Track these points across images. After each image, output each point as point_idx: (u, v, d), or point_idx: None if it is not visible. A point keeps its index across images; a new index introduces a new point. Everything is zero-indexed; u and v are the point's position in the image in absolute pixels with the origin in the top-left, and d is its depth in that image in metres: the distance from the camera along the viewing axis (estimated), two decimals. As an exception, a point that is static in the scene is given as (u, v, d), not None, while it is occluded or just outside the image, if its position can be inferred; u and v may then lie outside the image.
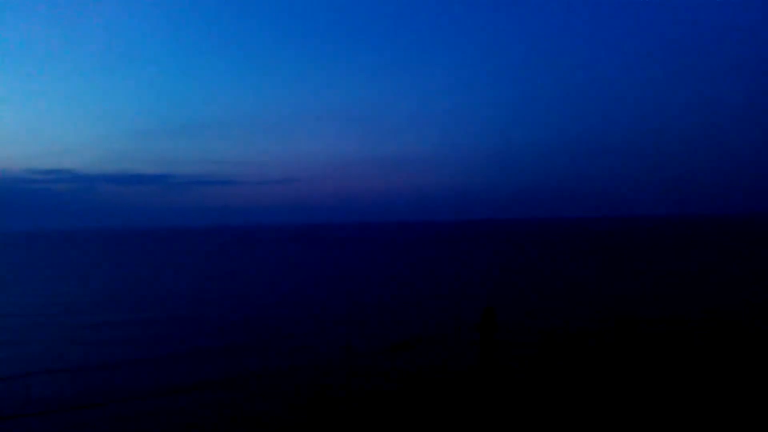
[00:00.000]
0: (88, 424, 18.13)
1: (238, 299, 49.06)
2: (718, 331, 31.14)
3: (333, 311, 41.42)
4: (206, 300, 49.14)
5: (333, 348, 29.31)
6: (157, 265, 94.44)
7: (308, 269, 79.37)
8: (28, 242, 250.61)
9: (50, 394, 21.44)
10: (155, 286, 61.50)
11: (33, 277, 77.67)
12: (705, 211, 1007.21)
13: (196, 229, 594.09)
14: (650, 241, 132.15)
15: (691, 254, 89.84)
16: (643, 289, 49.80)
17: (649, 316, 36.27)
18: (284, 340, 31.90)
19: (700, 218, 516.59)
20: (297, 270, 78.83)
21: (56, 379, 24.15)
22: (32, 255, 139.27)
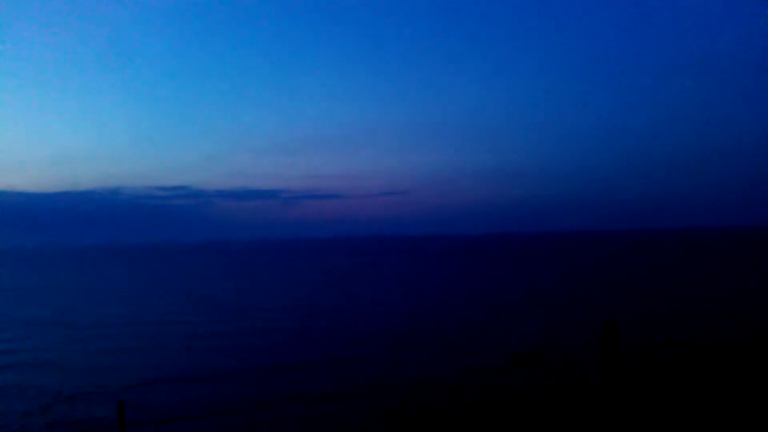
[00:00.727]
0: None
1: (351, 311, 49.42)
2: None
3: (446, 325, 40.81)
4: (318, 311, 49.80)
5: (448, 363, 28.66)
6: (273, 277, 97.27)
7: (418, 281, 79.14)
8: (150, 254, 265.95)
9: (164, 404, 22.07)
10: (272, 297, 63.20)
11: (155, 287, 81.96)
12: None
13: (306, 241, 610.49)
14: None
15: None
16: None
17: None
18: (396, 353, 31.59)
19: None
20: (407, 282, 78.79)
21: (172, 389, 24.92)
22: (154, 266, 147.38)
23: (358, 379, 25.66)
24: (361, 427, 18.89)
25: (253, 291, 71.94)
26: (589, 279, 74.83)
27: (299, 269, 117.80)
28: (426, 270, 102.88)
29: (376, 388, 23.97)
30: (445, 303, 53.38)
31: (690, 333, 33.95)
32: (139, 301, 63.02)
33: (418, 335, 36.89)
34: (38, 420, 20.24)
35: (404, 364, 28.76)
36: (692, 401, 20.46)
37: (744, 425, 17.61)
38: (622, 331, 34.01)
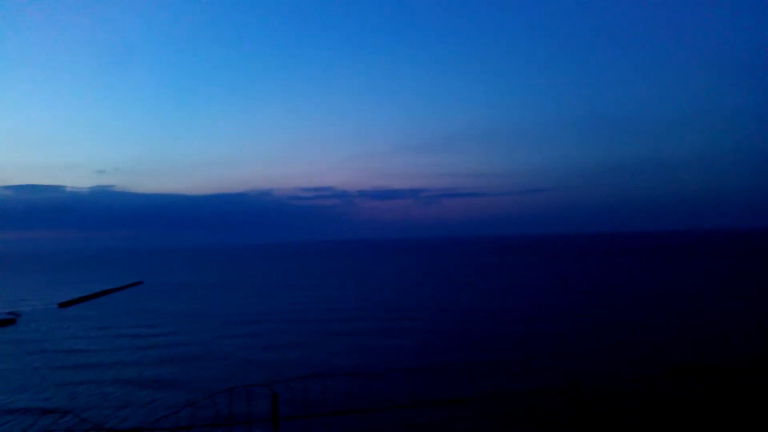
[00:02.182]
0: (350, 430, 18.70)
1: (495, 312, 48.59)
2: None
3: (595, 328, 38.99)
4: (463, 312, 49.40)
5: (601, 369, 27.27)
6: (419, 276, 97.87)
7: (564, 283, 76.40)
8: (297, 253, 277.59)
9: (315, 398, 22.61)
10: (419, 297, 63.57)
11: (310, 284, 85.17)
12: None
13: (446, 240, 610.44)
14: None
15: None
16: None
17: None
18: (547, 358, 30.53)
19: None
20: (553, 284, 76.29)
21: (322, 384, 25.53)
22: (302, 265, 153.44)
23: (507, 384, 25.02)
24: None
25: (400, 290, 72.62)
26: (756, 282, 68.56)
27: (443, 269, 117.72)
28: (571, 271, 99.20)
29: (524, 393, 23.25)
30: (592, 305, 51.05)
31: None
32: (290, 298, 65.74)
33: (567, 339, 35.50)
34: (195, 412, 21.45)
35: (555, 369, 27.73)
36: None
37: None
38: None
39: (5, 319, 52.54)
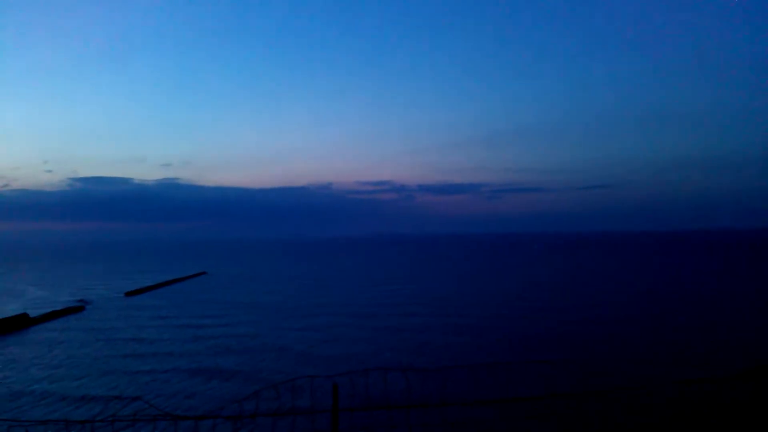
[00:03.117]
0: (422, 424, 18.27)
1: (562, 312, 47.50)
2: None
3: (666, 329, 37.54)
4: (530, 310, 48.46)
5: (665, 370, 26.08)
6: (482, 273, 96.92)
7: (632, 281, 74.23)
8: (357, 247, 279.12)
9: (375, 391, 22.29)
10: (483, 293, 62.82)
11: (368, 278, 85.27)
12: None
13: (508, 236, 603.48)
14: None
15: None
16: None
17: None
18: (606, 359, 29.48)
19: None
20: (620, 281, 74.25)
21: (382, 377, 25.21)
22: (365, 258, 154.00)
23: (568, 385, 24.20)
24: None
25: (459, 286, 71.98)
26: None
27: (503, 265, 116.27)
28: (634, 270, 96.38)
29: (584, 394, 22.37)
30: (657, 305, 49.22)
31: None
32: (348, 291, 65.91)
33: (630, 340, 34.22)
34: (259, 401, 21.44)
35: (618, 370, 26.67)
36: None
37: None
38: None
39: (75, 307, 54.35)
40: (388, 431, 17.11)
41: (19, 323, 44.21)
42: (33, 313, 49.05)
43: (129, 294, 67.52)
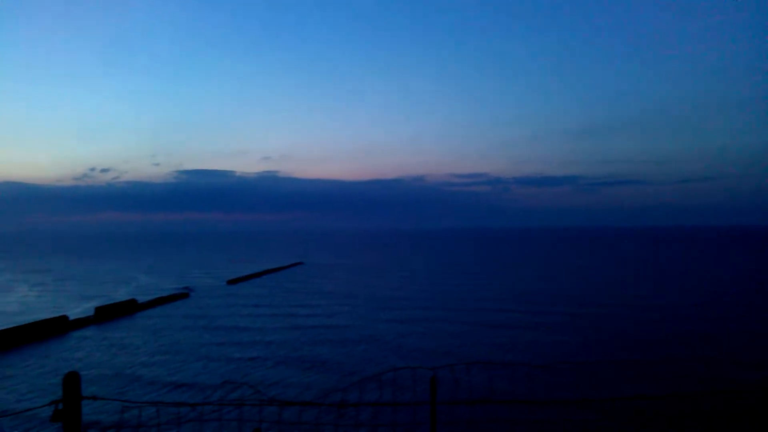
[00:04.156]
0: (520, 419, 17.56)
1: (666, 309, 45.17)
2: None
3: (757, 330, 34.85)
4: (632, 308, 46.44)
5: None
6: (580, 268, 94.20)
7: (736, 278, 69.79)
8: (451, 239, 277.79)
9: (473, 385, 21.68)
10: (582, 288, 60.90)
11: (463, 272, 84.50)
12: None
13: (605, 230, 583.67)
14: None
15: None
16: None
17: None
18: (710, 359, 27.56)
19: None
20: (724, 279, 70.01)
21: (481, 371, 24.57)
22: (459, 251, 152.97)
23: (678, 385, 22.73)
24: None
25: (556, 282, 70.05)
26: None
27: (601, 260, 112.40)
28: (739, 266, 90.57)
29: (694, 394, 20.92)
30: (763, 304, 45.84)
31: None
32: (443, 284, 65.37)
33: (734, 340, 31.92)
34: (362, 391, 21.33)
35: (721, 370, 24.83)
36: None
37: None
38: None
39: (180, 294, 56.66)
40: (488, 426, 16.53)
41: (128, 308, 46.45)
42: (141, 299, 51.45)
43: (230, 282, 69.75)
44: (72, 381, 5.01)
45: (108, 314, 43.32)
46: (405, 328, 36.38)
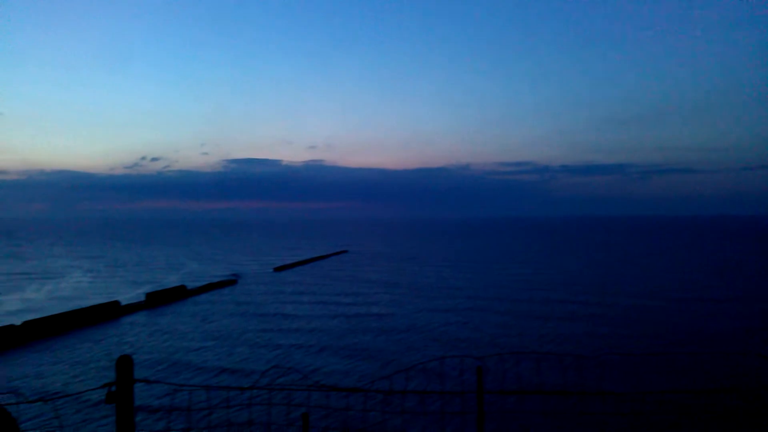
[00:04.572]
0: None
1: (716, 304, 43.96)
2: None
3: None
4: (684, 302, 45.32)
5: None
6: (629, 259, 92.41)
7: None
8: (497, 228, 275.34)
9: (518, 376, 21.43)
10: (630, 280, 59.74)
11: (508, 261, 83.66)
12: None
13: (653, 219, 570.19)
14: None
15: None
16: None
17: None
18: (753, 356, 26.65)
19: None
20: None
21: (527, 362, 24.23)
22: (505, 240, 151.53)
23: (729, 379, 22.03)
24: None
25: (605, 272, 68.79)
26: None
27: (652, 251, 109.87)
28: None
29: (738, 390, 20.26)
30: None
31: None
32: (487, 274, 64.87)
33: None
34: (408, 379, 21.32)
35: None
36: None
37: None
38: None
39: (228, 280, 57.61)
40: (536, 417, 16.34)
41: (178, 294, 47.44)
42: (190, 285, 52.48)
43: (277, 269, 70.62)
44: (125, 364, 5.09)
45: (158, 300, 44.32)
46: (448, 317, 36.25)
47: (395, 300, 44.07)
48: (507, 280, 56.44)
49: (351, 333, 31.89)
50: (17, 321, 33.01)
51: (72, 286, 53.91)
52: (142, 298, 44.46)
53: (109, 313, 38.73)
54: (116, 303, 40.27)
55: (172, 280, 57.45)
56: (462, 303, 41.98)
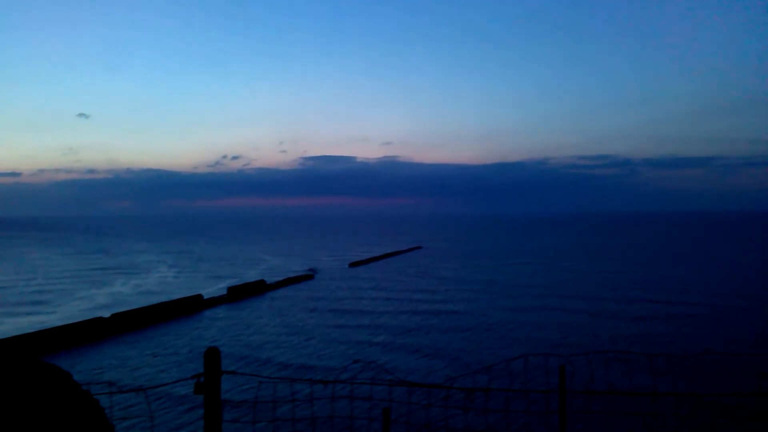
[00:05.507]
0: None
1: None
2: None
3: None
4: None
5: None
6: (719, 257, 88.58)
7: None
8: (575, 224, 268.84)
9: (601, 376, 20.68)
10: (720, 278, 57.22)
11: (585, 258, 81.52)
12: None
13: (743, 214, 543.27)
14: None
15: None
16: None
17: None
18: None
19: None
20: None
21: (609, 363, 23.43)
22: (582, 236, 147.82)
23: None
24: None
25: (693, 270, 66.00)
26: None
27: (743, 248, 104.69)
28: None
29: None
30: None
31: None
32: (561, 271, 63.32)
33: None
34: (490, 379, 21.02)
35: None
36: None
37: None
38: None
39: (305, 275, 58.54)
40: (624, 419, 15.74)
41: (258, 288, 48.50)
42: (269, 279, 53.59)
43: (352, 265, 71.24)
44: (213, 356, 5.10)
45: (239, 294, 45.44)
46: (525, 316, 35.49)
47: (470, 297, 43.56)
48: (586, 278, 54.88)
49: (427, 330, 31.70)
50: (106, 314, 34.51)
51: (157, 281, 56.01)
52: (224, 292, 45.69)
53: (192, 306, 39.96)
54: (199, 297, 41.52)
55: (252, 275, 58.80)
56: (539, 301, 41.07)
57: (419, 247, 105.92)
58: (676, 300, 40.48)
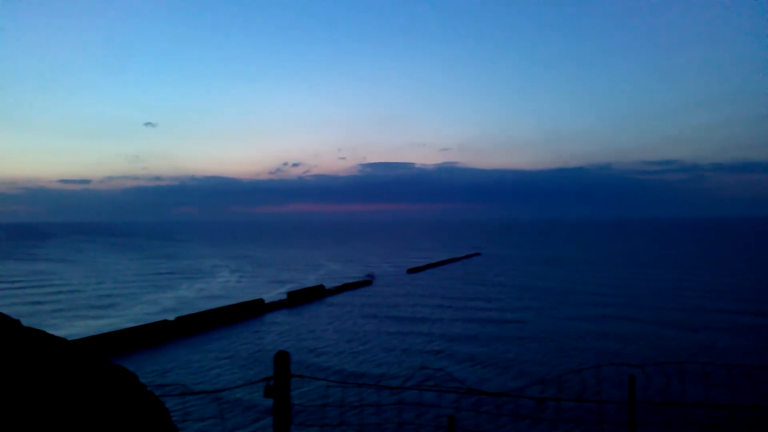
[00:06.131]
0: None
1: None
2: None
3: None
4: None
5: None
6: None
7: None
8: (640, 230, 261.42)
9: (670, 388, 19.88)
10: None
11: (651, 265, 79.14)
12: None
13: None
14: None
15: None
16: None
17: None
18: None
19: None
20: None
21: (675, 373, 22.59)
22: (647, 243, 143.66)
23: None
24: None
25: (760, 280, 63.25)
26: None
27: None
28: None
29: None
30: None
31: None
32: (627, 278, 61.59)
33: None
34: (560, 388, 20.56)
35: None
36: None
37: None
38: None
39: (363, 281, 58.69)
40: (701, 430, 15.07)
41: (317, 294, 48.87)
42: (328, 285, 53.94)
43: (410, 271, 71.07)
44: (282, 359, 5.03)
45: (299, 298, 45.87)
46: (588, 325, 34.51)
47: (528, 305, 42.69)
48: (651, 286, 53.15)
49: (487, 339, 31.22)
50: (171, 317, 35.34)
51: (220, 285, 57.13)
52: (284, 296, 46.20)
53: (253, 310, 40.54)
54: (260, 301, 42.09)
55: (311, 280, 59.35)
56: (600, 310, 39.91)
57: (478, 254, 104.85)
58: (749, 309, 38.77)
